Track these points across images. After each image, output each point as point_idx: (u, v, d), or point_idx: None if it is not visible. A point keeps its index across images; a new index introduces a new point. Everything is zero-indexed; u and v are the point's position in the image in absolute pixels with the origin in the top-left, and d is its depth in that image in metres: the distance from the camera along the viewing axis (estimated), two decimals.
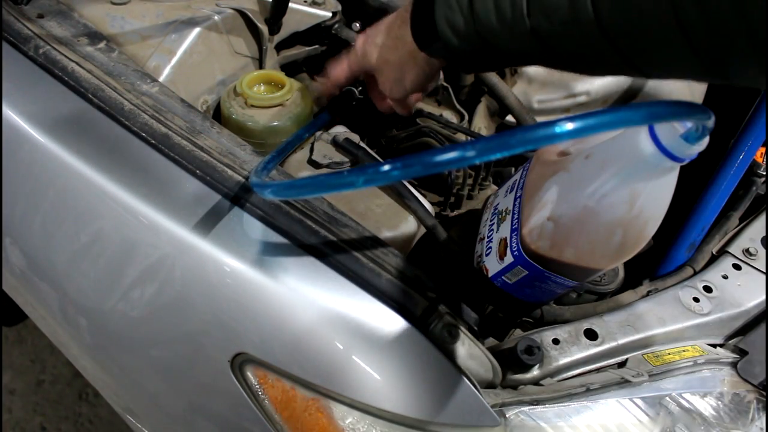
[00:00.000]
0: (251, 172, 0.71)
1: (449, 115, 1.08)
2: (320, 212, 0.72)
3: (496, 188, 0.98)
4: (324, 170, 0.84)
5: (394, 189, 0.81)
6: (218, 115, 0.95)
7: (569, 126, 0.44)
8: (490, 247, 0.81)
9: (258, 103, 0.87)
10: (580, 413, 0.70)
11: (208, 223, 0.69)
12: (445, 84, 1.08)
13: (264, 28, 0.97)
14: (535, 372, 0.74)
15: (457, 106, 1.09)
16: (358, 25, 1.05)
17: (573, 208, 0.66)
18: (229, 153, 0.76)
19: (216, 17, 0.94)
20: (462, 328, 0.69)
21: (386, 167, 0.48)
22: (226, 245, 0.67)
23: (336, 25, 1.05)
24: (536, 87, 1.25)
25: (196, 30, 0.91)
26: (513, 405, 0.69)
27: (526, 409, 0.69)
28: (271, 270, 0.66)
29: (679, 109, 0.46)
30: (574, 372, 0.76)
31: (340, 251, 0.69)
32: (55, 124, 0.77)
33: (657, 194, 0.64)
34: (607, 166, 0.64)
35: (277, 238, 0.69)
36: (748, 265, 0.87)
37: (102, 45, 0.86)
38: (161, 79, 0.88)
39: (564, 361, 0.75)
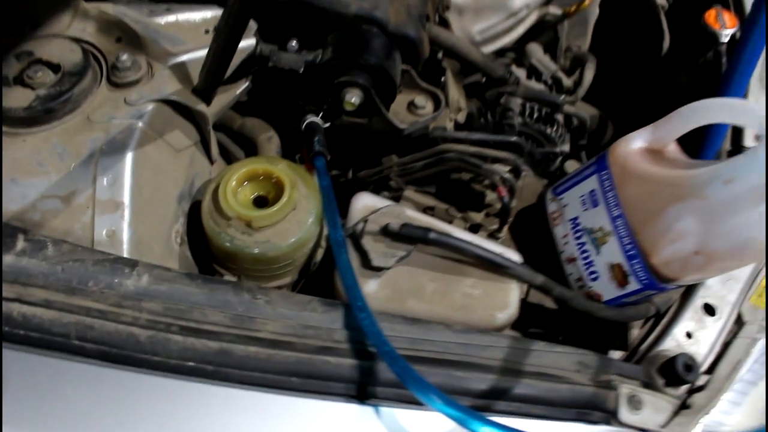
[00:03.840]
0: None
1: (421, 100, 0.92)
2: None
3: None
4: (394, 272, 0.68)
5: (477, 258, 0.68)
6: (193, 228, 0.73)
7: None
8: (595, 272, 0.74)
9: (268, 221, 0.66)
10: None
11: None
12: (405, 67, 0.89)
13: (199, 108, 0.71)
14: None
15: (425, 86, 0.92)
16: (294, 43, 0.81)
17: (732, 242, 0.59)
18: (308, 327, 0.58)
19: (139, 124, 0.66)
20: (638, 389, 0.64)
21: None
22: None
23: (269, 54, 0.79)
24: (470, 17, 1.09)
25: (129, 156, 0.64)
26: None
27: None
28: None
29: None
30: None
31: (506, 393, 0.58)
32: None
33: None
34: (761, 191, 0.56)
35: None
36: None
37: (22, 244, 0.58)
38: (125, 246, 0.63)
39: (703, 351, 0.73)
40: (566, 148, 1.05)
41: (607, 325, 0.78)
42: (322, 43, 0.84)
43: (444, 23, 1.01)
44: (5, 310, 0.54)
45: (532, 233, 0.83)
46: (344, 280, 0.62)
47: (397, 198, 0.89)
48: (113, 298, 0.57)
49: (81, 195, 0.63)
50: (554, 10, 1.14)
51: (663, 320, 0.78)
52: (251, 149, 0.89)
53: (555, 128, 1.03)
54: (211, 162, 0.79)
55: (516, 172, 0.81)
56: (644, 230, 0.67)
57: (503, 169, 0.84)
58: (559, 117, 1.03)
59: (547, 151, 1.04)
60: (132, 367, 0.54)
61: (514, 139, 0.83)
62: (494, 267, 0.69)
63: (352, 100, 0.82)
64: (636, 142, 0.71)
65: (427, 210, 0.89)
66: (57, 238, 0.59)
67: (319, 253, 0.74)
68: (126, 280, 0.58)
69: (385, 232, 0.68)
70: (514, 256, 0.71)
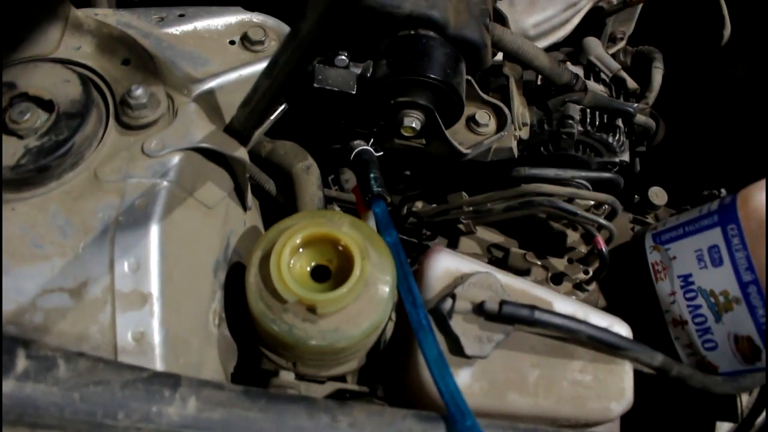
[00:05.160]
0: None
1: (483, 116, 0.77)
2: None
3: None
4: (489, 357, 0.55)
5: (590, 339, 0.56)
6: (232, 300, 0.58)
7: None
8: (713, 341, 0.62)
9: (337, 305, 0.52)
10: None
11: None
12: (466, 77, 0.74)
13: (238, 155, 0.55)
14: None
15: (488, 98, 0.78)
16: (345, 56, 0.65)
17: None
18: None
19: (164, 183, 0.51)
20: None
21: None
22: None
23: (313, 70, 0.63)
24: (524, 7, 0.94)
25: (154, 230, 0.49)
26: None
27: None
28: None
29: None
30: None
31: None
32: None
33: None
34: None
35: None
36: None
37: (24, 364, 0.43)
38: (158, 351, 0.48)
39: None
40: (626, 157, 0.93)
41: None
42: (372, 53, 0.69)
43: (500, 19, 0.86)
44: None
45: (624, 282, 0.71)
46: (440, 385, 0.49)
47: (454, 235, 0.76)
48: None
49: (95, 286, 0.47)
50: None
51: None
52: (284, 179, 0.74)
53: (617, 136, 0.90)
54: (245, 210, 0.64)
55: (611, 214, 0.68)
56: None
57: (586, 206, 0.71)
58: (620, 123, 0.91)
59: (605, 161, 0.92)
60: None
61: (611, 176, 0.70)
62: (606, 349, 0.57)
63: (412, 125, 0.68)
64: None
65: (493, 248, 0.76)
66: (69, 349, 0.45)
67: (389, 328, 0.61)
68: (167, 407, 0.44)
69: (480, 311, 0.55)
70: (624, 329, 0.59)
